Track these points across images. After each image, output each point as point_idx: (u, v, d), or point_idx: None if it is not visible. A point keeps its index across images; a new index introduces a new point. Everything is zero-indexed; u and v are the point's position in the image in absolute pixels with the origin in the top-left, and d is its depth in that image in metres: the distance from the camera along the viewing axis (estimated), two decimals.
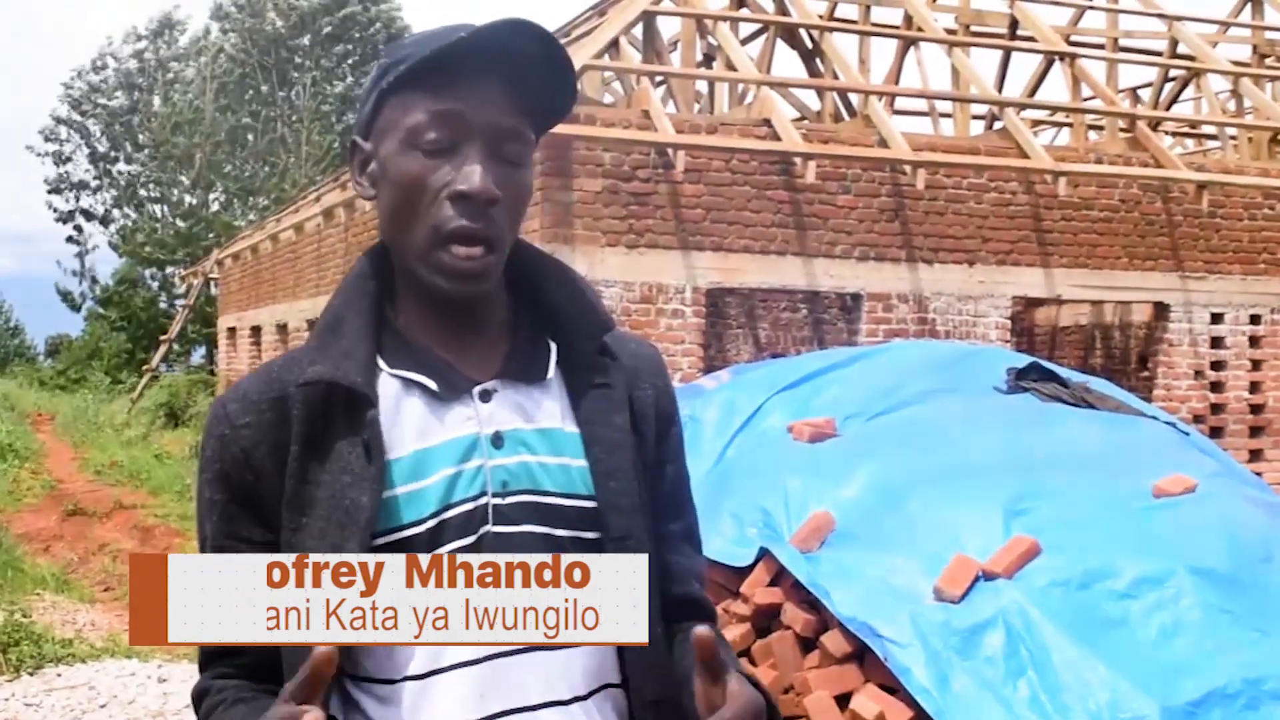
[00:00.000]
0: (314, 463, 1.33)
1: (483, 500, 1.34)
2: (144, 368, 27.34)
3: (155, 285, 37.57)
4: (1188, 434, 5.33)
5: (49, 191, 39.69)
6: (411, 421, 1.35)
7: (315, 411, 1.34)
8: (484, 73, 1.33)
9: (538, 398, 1.42)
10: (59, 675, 6.54)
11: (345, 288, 1.42)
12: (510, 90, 1.35)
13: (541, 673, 1.34)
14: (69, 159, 39.63)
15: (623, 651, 1.40)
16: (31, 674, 6.56)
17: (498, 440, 1.37)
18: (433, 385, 1.36)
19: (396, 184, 1.34)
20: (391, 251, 1.41)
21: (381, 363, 1.37)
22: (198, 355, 34.39)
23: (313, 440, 1.33)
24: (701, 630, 1.20)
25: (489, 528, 1.34)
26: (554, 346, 1.44)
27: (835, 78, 11.32)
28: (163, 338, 27.33)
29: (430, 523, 1.32)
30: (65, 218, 39.75)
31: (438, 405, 1.36)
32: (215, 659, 1.38)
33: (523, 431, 1.39)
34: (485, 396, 1.38)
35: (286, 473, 1.33)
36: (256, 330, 18.98)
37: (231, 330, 21.30)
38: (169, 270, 36.11)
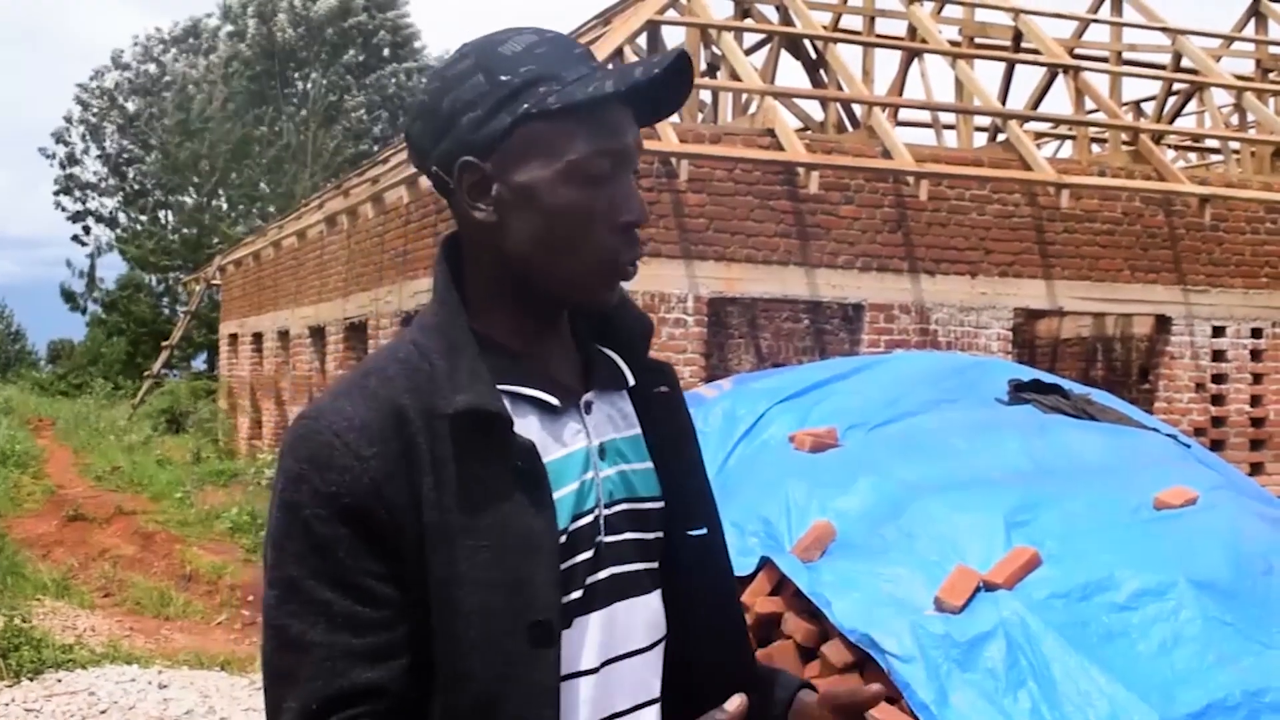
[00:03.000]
0: (452, 491, 1.28)
1: (596, 512, 1.36)
2: (145, 373, 27.35)
3: (158, 291, 37.62)
4: (1189, 446, 5.33)
5: (57, 192, 39.75)
6: (532, 437, 1.33)
7: (446, 439, 1.29)
8: (630, 104, 1.34)
9: (620, 405, 1.45)
10: (59, 681, 6.54)
11: (442, 301, 1.37)
12: (636, 112, 1.37)
13: (645, 672, 1.40)
14: (79, 161, 39.74)
15: (683, 644, 1.45)
16: (31, 679, 6.55)
17: (602, 452, 1.39)
18: (553, 400, 1.36)
19: (557, 214, 1.31)
20: (509, 270, 1.36)
21: None
22: (199, 361, 34.40)
23: (446, 469, 1.29)
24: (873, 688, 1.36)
25: (601, 538, 1.36)
26: (614, 354, 1.46)
27: (839, 88, 11.34)
28: (165, 343, 27.32)
29: (563, 537, 1.32)
30: (74, 217, 39.84)
31: (550, 419, 1.36)
32: (342, 702, 1.25)
33: (618, 441, 1.42)
34: (588, 408, 1.40)
35: (424, 504, 1.27)
36: (258, 337, 18.99)
37: (233, 336, 21.31)
38: (172, 276, 36.16)
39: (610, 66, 1.35)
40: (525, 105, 1.29)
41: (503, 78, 1.30)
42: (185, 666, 7.05)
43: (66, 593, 9.25)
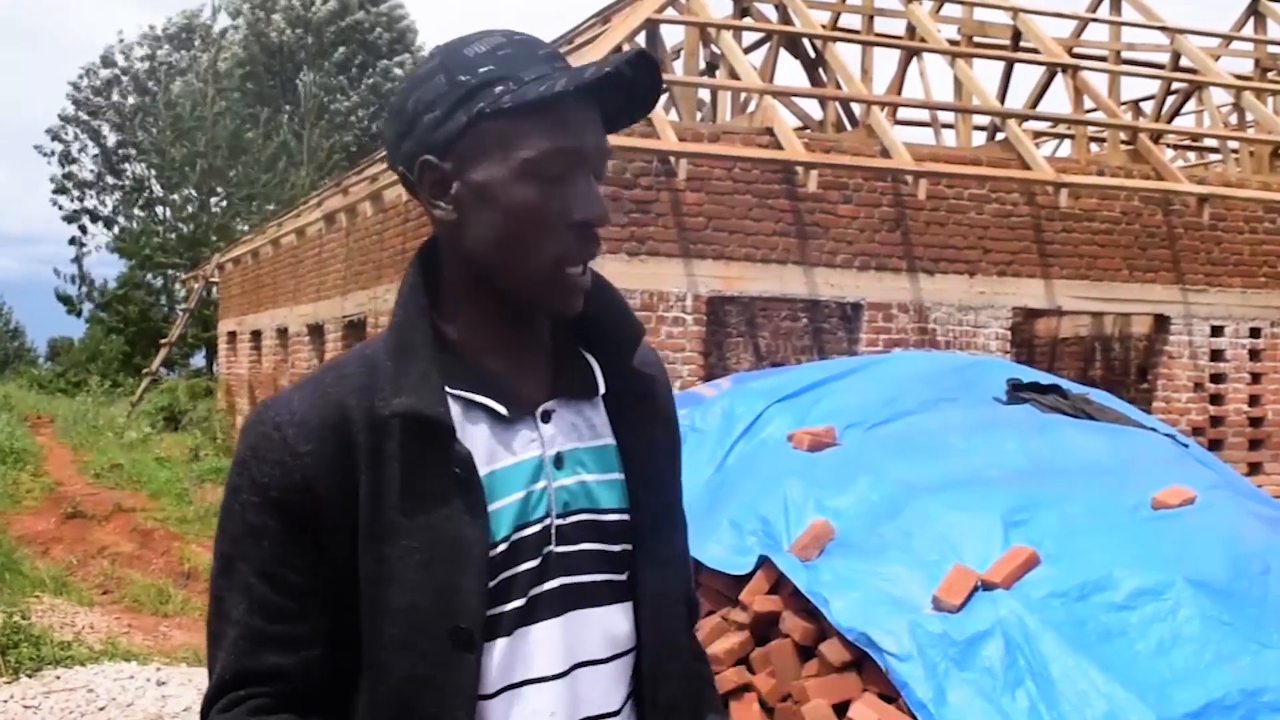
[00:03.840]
0: (390, 491, 1.30)
1: (546, 522, 1.36)
2: (143, 371, 27.33)
3: (157, 288, 37.54)
4: (1187, 446, 5.33)
5: (55, 191, 39.60)
6: (479, 444, 1.34)
7: (389, 440, 1.31)
8: (592, 101, 1.34)
9: (589, 414, 1.43)
10: (58, 678, 6.54)
11: (404, 303, 1.38)
12: (602, 109, 1.36)
13: (603, 684, 1.39)
14: (75, 159, 39.59)
15: (642, 657, 1.43)
16: (30, 676, 6.56)
17: (559, 461, 1.38)
18: (501, 410, 1.35)
19: (512, 212, 1.31)
20: (471, 270, 1.37)
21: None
22: (197, 359, 34.39)
23: (386, 469, 1.30)
24: None
25: (551, 548, 1.36)
26: (594, 360, 1.45)
27: (838, 87, 11.34)
28: (163, 341, 27.32)
29: (503, 546, 1.32)
30: (71, 217, 39.67)
31: (502, 427, 1.36)
32: (249, 679, 1.31)
33: (579, 451, 1.40)
34: (546, 417, 1.39)
35: (360, 503, 1.29)
36: (257, 335, 18.99)
37: (231, 334, 21.31)
38: (170, 274, 36.08)
39: (576, 65, 1.35)
40: (480, 105, 1.30)
41: (461, 78, 1.31)
42: (183, 664, 7.05)
43: (65, 590, 9.25)
